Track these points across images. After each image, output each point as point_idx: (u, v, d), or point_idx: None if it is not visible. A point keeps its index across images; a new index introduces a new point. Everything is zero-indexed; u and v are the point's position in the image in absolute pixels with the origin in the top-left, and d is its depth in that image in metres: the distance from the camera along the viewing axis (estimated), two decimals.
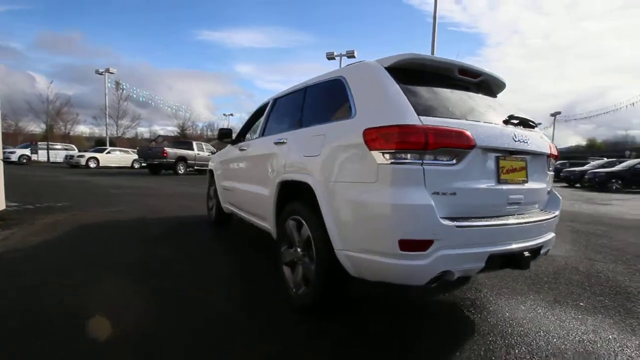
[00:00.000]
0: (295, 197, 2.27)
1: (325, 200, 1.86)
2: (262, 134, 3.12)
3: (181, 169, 15.88)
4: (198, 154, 16.66)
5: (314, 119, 2.32)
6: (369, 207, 1.65)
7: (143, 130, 45.37)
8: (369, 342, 1.81)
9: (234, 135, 3.90)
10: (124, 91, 34.12)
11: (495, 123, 1.90)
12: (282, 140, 2.50)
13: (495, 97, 2.36)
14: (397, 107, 1.68)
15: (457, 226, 1.59)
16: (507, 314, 2.15)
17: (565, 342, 1.83)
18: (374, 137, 1.65)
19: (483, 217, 1.75)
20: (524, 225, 1.84)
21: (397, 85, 1.77)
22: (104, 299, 2.21)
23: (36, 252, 3.16)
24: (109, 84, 29.65)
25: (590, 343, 1.83)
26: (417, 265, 1.56)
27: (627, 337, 1.90)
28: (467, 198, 1.69)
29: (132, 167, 21.59)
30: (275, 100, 3.13)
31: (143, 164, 17.70)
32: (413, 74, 1.93)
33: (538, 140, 2.04)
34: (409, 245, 1.55)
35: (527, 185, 1.97)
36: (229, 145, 4.12)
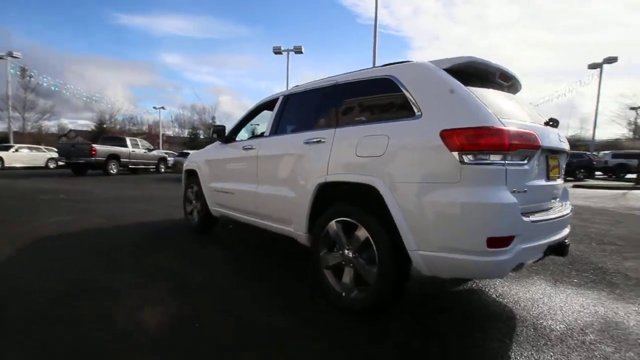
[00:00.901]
0: (344, 198, 2.20)
1: (396, 202, 1.83)
2: (274, 133, 2.94)
3: (113, 169, 14.16)
4: (133, 151, 15.04)
5: (358, 119, 2.26)
6: (453, 208, 1.68)
7: (49, 125, 39.07)
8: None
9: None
10: (32, 79, 29.12)
11: (538, 124, 2.06)
12: (317, 140, 2.39)
13: None
14: (475, 109, 1.73)
15: (532, 221, 1.70)
16: (528, 295, 2.40)
17: (586, 315, 2.14)
18: (456, 139, 1.67)
19: (541, 212, 1.89)
20: (563, 217, 2.06)
21: (466, 88, 1.82)
22: None
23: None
24: (11, 70, 25.01)
25: (603, 312, 2.17)
26: (500, 261, 1.64)
27: (623, 305, 2.29)
28: (532, 195, 1.82)
29: (46, 167, 18.58)
30: (287, 97, 2.97)
31: (62, 163, 15.39)
32: (464, 76, 1.99)
33: (564, 139, 2.27)
34: (496, 242, 1.61)
35: (559, 181, 2.19)
36: (217, 143, 3.81)
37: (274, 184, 2.80)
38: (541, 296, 2.39)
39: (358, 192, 2.11)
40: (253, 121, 3.66)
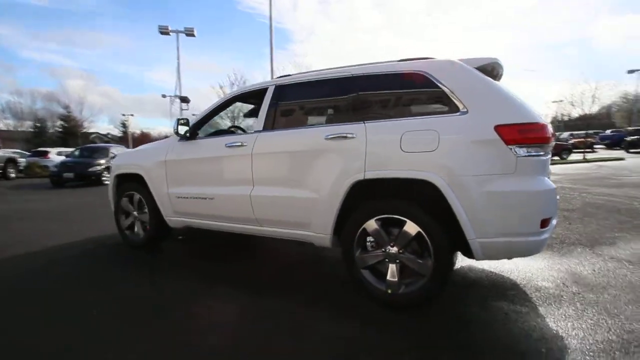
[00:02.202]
0: (384, 195, 2.16)
1: (455, 195, 1.91)
2: (271, 128, 2.63)
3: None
4: None
5: (389, 113, 2.23)
6: (512, 196, 1.85)
7: None
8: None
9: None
10: None
11: None
12: (342, 135, 2.25)
13: None
14: (521, 106, 1.93)
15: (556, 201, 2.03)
16: (510, 266, 2.83)
17: (594, 273, 2.62)
18: (511, 133, 1.84)
19: None
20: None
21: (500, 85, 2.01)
22: None
23: None
24: None
25: (566, 269, 2.73)
26: (544, 239, 1.92)
27: (572, 261, 2.93)
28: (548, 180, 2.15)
29: None
30: (281, 88, 2.69)
31: None
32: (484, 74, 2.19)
33: None
34: (544, 223, 1.88)
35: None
36: (172, 140, 3.19)
37: (280, 185, 2.51)
38: (520, 265, 2.85)
39: (403, 188, 2.10)
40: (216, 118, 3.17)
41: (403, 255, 2.10)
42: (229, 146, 2.75)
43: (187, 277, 2.76)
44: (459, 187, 1.92)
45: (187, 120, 3.03)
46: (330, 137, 2.30)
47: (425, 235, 2.01)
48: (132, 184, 3.49)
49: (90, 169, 10.45)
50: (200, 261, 3.20)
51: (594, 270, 2.67)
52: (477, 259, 1.98)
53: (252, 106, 3.62)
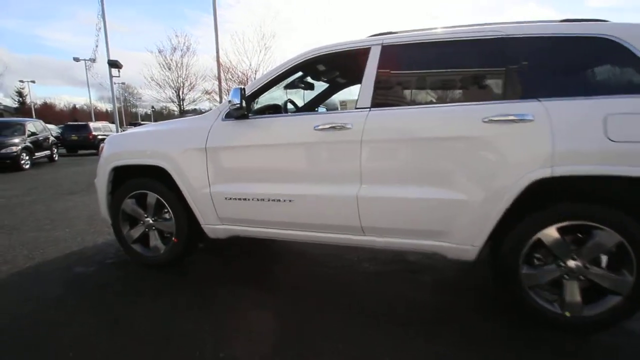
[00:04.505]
0: (568, 197, 1.69)
1: None
2: (384, 104, 1.96)
3: None
4: None
5: (571, 88, 1.72)
6: None
7: None
8: None
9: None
10: None
11: None
12: (512, 117, 1.69)
13: None
14: None
15: None
16: None
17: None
18: None
19: None
20: None
21: None
22: None
23: None
24: None
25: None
26: None
27: None
28: None
29: None
30: (393, 48, 1.98)
31: None
32: None
33: None
34: None
35: None
36: (213, 118, 2.29)
37: (407, 183, 1.88)
38: None
39: (602, 188, 1.66)
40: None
41: (589, 270, 1.69)
42: (320, 129, 1.99)
43: (247, 313, 2.02)
44: None
45: (244, 91, 2.13)
46: (491, 119, 1.72)
47: (628, 246, 1.62)
48: (142, 179, 2.49)
49: (2, 151, 8.14)
50: (254, 280, 2.44)
51: None
52: None
53: (296, 75, 2.79)
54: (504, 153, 1.72)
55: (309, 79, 2.92)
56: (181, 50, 24.51)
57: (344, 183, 1.99)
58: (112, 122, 17.56)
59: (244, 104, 2.10)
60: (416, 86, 2.12)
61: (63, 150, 14.78)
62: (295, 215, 2.13)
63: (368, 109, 1.95)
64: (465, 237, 1.84)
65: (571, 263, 1.71)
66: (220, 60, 15.75)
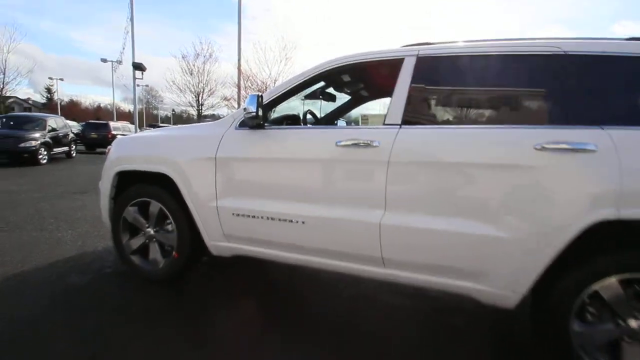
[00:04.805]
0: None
1: None
2: (416, 122, 1.75)
3: None
4: None
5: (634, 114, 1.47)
6: None
7: None
8: None
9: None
10: None
11: None
12: (568, 145, 1.45)
13: None
14: None
15: None
16: None
17: None
18: None
19: None
20: None
21: None
22: None
23: None
24: None
25: None
26: None
27: None
28: None
29: None
30: (428, 61, 1.77)
31: None
32: None
33: None
34: None
35: None
36: (232, 128, 2.10)
37: (440, 214, 1.64)
38: None
39: None
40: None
41: None
42: (343, 145, 1.78)
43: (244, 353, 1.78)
44: None
45: (262, 98, 1.95)
46: (545, 146, 1.48)
47: None
48: (146, 186, 2.32)
49: (22, 145, 8.25)
50: (277, 305, 2.21)
51: None
52: None
53: (317, 85, 2.61)
54: (559, 187, 1.47)
55: (331, 90, 2.74)
56: (204, 57, 25.03)
57: (365, 207, 1.76)
58: (133, 123, 17.88)
59: (260, 112, 1.92)
60: (454, 104, 1.90)
61: (82, 147, 15.04)
62: (309, 239, 1.91)
63: (398, 126, 1.73)
64: (506, 282, 1.58)
65: (633, 323, 1.43)
66: (241, 68, 15.90)
